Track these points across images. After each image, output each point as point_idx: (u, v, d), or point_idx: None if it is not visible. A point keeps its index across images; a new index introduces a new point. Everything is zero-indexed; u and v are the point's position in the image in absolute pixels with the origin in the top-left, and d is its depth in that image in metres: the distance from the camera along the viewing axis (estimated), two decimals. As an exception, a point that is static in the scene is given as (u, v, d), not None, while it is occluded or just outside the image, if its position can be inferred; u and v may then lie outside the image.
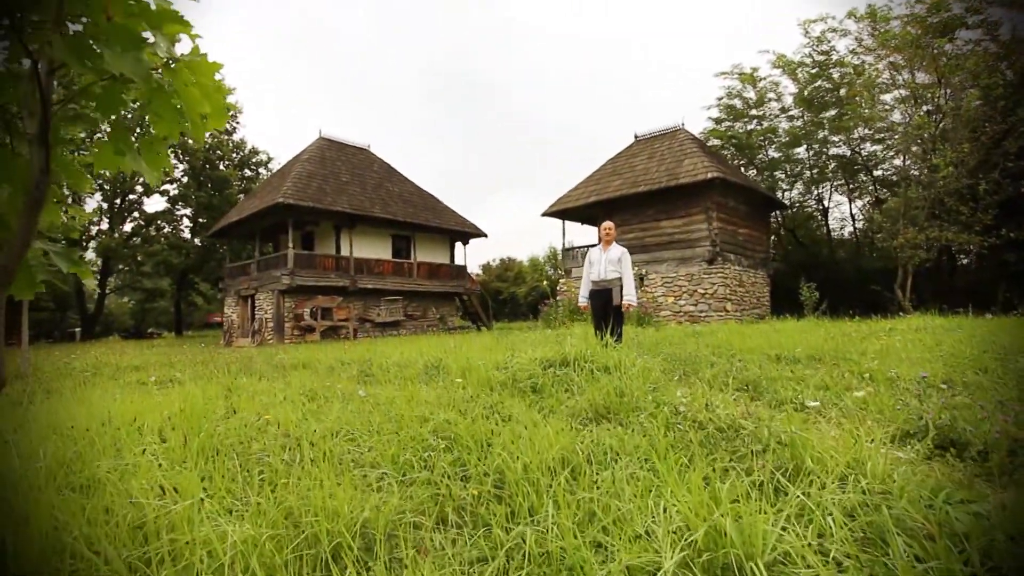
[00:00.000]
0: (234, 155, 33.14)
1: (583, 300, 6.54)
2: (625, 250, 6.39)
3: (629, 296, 6.23)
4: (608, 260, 6.24)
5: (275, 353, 10.88)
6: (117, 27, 0.92)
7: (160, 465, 2.38)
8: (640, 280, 16.58)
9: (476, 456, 2.30)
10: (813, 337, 8.08)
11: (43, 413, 3.26)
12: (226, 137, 32.84)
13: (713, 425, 2.85)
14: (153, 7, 1.12)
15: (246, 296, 20.39)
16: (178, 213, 30.99)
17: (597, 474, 2.11)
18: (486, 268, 39.99)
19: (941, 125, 16.10)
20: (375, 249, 21.10)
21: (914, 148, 15.49)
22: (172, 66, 0.99)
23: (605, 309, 6.24)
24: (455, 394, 3.66)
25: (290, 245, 18.12)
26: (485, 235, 24.61)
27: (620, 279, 6.22)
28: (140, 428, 2.98)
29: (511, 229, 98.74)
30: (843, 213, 36.85)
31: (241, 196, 31.75)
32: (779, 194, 25.49)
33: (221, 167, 31.67)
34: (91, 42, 0.83)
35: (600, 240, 6.46)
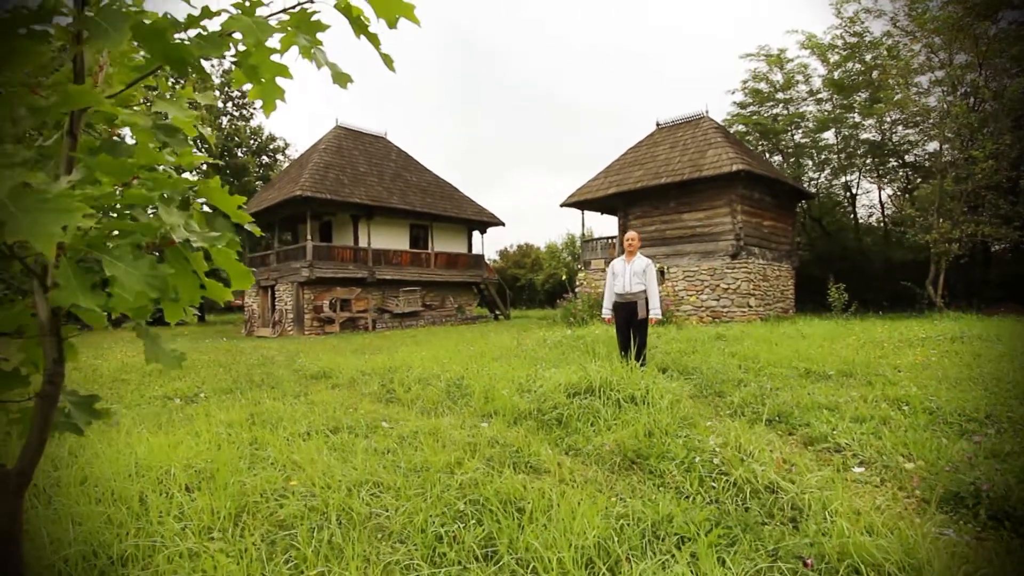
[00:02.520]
0: (251, 142, 33.25)
1: (607, 313, 6.41)
2: (649, 261, 6.23)
3: (655, 310, 6.09)
4: (633, 272, 6.07)
5: (296, 352, 10.98)
6: (128, 226, 0.82)
7: (186, 530, 2.36)
8: (661, 275, 16.31)
9: (507, 535, 2.23)
10: (843, 346, 7.85)
11: (72, 458, 3.28)
12: (243, 124, 32.92)
13: (750, 487, 2.74)
14: (170, 163, 1.02)
15: (266, 287, 20.61)
16: (198, 201, 31.29)
17: (633, 563, 2.02)
18: (503, 254, 39.84)
19: (981, 108, 15.34)
20: (393, 239, 21.10)
21: (949, 134, 14.80)
22: (193, 250, 0.89)
23: (629, 322, 6.11)
24: (479, 435, 3.59)
25: (308, 237, 18.19)
26: (503, 224, 24.43)
27: (645, 291, 6.07)
28: (166, 477, 2.97)
29: (530, 205, 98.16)
30: (871, 200, 35.81)
31: (259, 183, 31.96)
32: (805, 180, 24.78)
33: (239, 154, 31.83)
34: (95, 254, 0.73)
35: (624, 250, 6.29)
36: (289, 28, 1.05)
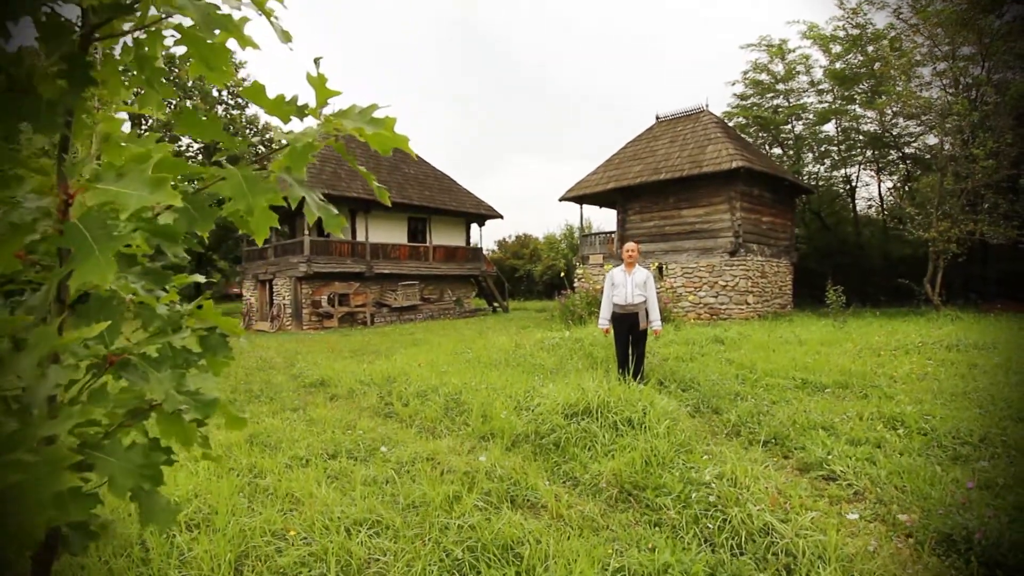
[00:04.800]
0: (247, 131, 32.92)
1: (604, 323, 6.41)
2: (649, 273, 6.23)
3: (656, 322, 6.09)
4: (634, 283, 6.07)
5: (295, 352, 11.00)
6: (118, 415, 0.81)
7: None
8: (660, 271, 16.30)
9: (504, 590, 2.26)
10: (840, 353, 7.88)
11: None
12: (238, 113, 32.59)
13: (745, 528, 2.77)
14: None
15: (264, 280, 20.57)
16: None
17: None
18: (502, 244, 39.71)
19: (982, 105, 15.23)
20: (391, 233, 21.02)
21: (948, 126, 14.68)
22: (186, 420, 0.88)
23: (630, 333, 6.12)
24: (477, 466, 3.61)
25: (306, 232, 18.11)
26: (501, 216, 24.33)
27: (645, 303, 6.07)
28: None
29: (528, 192, 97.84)
30: (871, 193, 35.65)
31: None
32: (804, 172, 24.67)
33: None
34: (87, 457, 0.72)
35: (623, 260, 6.27)
36: (282, 154, 1.03)
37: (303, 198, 1.00)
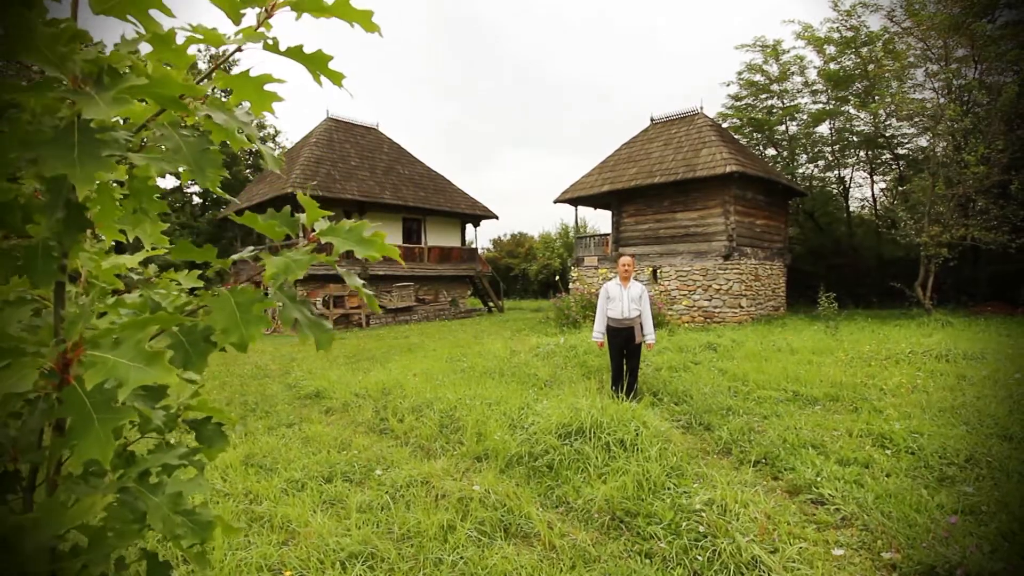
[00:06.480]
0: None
1: (599, 336, 6.46)
2: (644, 287, 6.28)
3: (650, 336, 6.15)
4: (630, 298, 6.13)
5: (290, 358, 11.00)
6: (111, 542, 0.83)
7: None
8: (654, 274, 16.36)
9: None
10: (831, 362, 7.96)
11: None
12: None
13: (734, 562, 2.82)
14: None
15: (258, 282, 20.47)
16: (188, 191, 30.91)
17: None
18: (497, 243, 39.68)
19: (973, 109, 15.33)
20: (386, 235, 20.98)
21: (940, 128, 14.75)
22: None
23: (625, 347, 6.17)
24: (471, 492, 3.65)
25: (300, 235, 18.04)
26: (496, 217, 24.33)
27: (640, 317, 6.13)
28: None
29: (523, 183, 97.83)
30: (864, 193, 35.79)
31: (249, 171, 31.54)
32: (798, 173, 24.76)
33: (227, 143, 31.31)
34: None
35: (617, 274, 6.31)
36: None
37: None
